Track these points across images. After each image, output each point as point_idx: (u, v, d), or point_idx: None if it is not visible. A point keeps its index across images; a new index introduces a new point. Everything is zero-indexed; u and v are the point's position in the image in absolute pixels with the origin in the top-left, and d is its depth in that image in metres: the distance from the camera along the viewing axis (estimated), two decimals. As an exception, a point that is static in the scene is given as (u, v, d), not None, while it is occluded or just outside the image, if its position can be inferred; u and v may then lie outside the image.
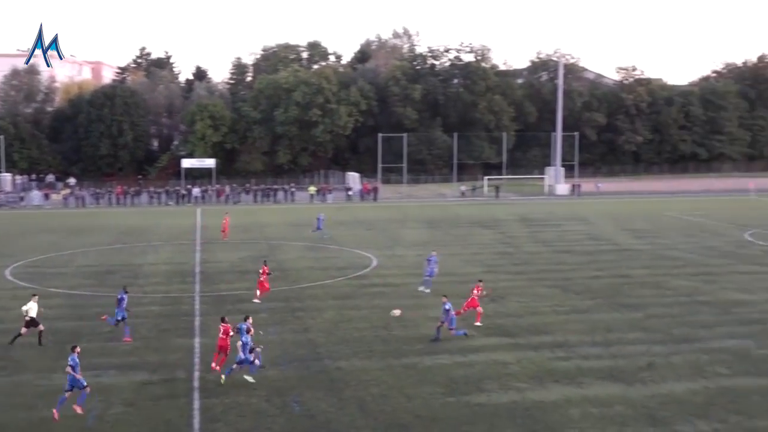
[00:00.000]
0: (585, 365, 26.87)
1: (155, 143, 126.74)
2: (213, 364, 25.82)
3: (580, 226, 66.39)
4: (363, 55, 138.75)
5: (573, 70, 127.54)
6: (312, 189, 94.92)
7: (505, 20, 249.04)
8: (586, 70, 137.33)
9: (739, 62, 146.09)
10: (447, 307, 29.32)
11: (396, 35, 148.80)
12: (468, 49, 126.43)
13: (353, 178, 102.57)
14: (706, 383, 25.10)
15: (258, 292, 36.74)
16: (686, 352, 28.39)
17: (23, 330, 28.94)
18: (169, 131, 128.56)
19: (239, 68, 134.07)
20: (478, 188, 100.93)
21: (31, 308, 29.01)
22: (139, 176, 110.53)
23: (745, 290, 39.23)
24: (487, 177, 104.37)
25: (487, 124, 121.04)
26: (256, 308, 34.90)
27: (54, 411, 21.93)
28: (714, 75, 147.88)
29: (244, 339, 24.89)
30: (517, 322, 32.64)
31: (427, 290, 38.24)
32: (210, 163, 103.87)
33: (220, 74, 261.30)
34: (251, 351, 24.91)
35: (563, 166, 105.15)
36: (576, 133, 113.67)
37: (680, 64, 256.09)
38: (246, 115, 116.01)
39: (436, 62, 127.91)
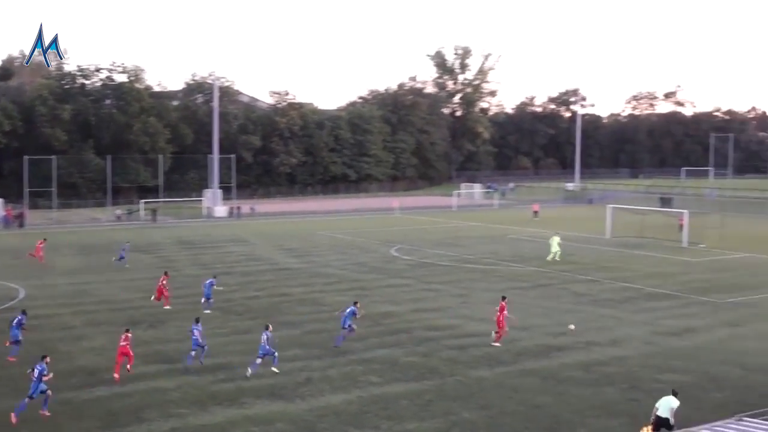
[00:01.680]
0: (246, 385, 27.29)
1: None
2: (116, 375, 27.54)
3: (239, 247, 67.14)
4: (5, 72, 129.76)
5: (228, 93, 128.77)
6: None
7: (158, 41, 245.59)
8: (241, 93, 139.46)
9: (381, 89, 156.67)
10: (196, 330, 29.72)
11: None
12: (121, 69, 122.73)
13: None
14: (360, 393, 26.61)
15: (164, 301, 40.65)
16: (341, 365, 29.89)
17: None
18: None
19: None
20: (135, 212, 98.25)
21: None
22: None
23: (393, 302, 42.12)
24: (143, 200, 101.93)
25: (143, 146, 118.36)
26: None
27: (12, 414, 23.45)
28: (360, 101, 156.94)
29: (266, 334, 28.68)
30: (177, 347, 32.29)
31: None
32: None
33: None
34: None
35: (221, 188, 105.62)
36: (233, 156, 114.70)
37: (329, 89, 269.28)
38: None
39: (87, 82, 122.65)
